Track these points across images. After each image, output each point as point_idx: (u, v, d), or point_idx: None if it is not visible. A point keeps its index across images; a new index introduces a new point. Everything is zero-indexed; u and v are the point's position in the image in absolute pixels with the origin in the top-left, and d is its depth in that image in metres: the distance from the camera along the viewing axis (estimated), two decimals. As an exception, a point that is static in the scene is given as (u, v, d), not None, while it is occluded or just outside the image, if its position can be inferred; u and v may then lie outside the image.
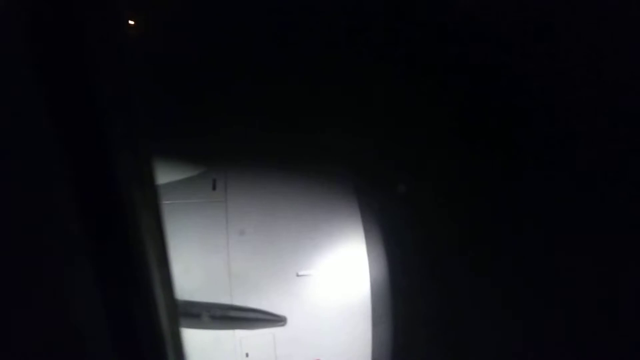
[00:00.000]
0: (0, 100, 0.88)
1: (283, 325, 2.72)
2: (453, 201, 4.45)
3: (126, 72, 0.93)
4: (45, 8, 0.85)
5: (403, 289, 2.89)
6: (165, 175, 2.93)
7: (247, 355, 2.72)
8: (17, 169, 0.91)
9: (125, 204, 0.93)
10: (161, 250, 1.01)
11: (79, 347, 0.98)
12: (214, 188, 2.96)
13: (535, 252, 4.26)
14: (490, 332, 3.92)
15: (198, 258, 2.75)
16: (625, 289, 4.07)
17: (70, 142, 0.91)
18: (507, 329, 3.94)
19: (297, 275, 2.76)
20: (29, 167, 0.92)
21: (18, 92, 0.89)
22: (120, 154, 0.93)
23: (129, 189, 0.93)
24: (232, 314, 2.69)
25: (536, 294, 4.11)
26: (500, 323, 3.96)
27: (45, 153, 0.92)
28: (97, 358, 1.00)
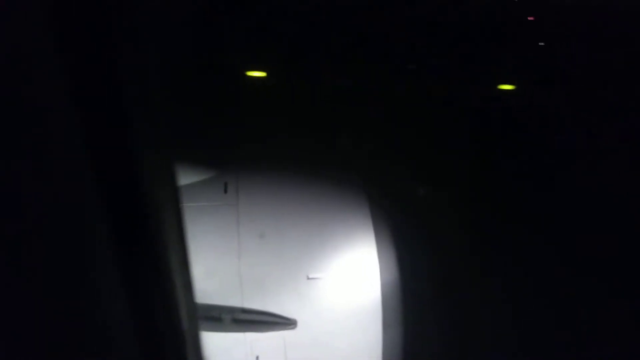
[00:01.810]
0: (28, 104, 0.90)
1: (293, 328, 2.72)
2: (464, 205, 4.45)
3: (151, 76, 0.95)
4: (73, 12, 0.87)
5: (414, 293, 2.89)
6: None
7: (257, 358, 2.73)
8: (43, 173, 0.93)
9: (149, 208, 0.95)
10: (182, 253, 1.03)
11: (103, 346, 1.00)
12: (225, 191, 2.97)
13: (547, 257, 4.26)
14: (501, 335, 3.91)
15: (209, 261, 2.76)
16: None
17: (95, 147, 0.93)
18: (518, 332, 3.93)
19: (308, 279, 2.76)
20: (55, 172, 0.94)
21: (45, 96, 0.91)
22: (144, 158, 0.94)
23: (153, 193, 0.95)
24: (243, 316, 2.69)
25: (547, 298, 4.11)
26: (511, 326, 3.95)
27: (71, 158, 0.94)
28: (120, 356, 1.01)
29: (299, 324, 2.72)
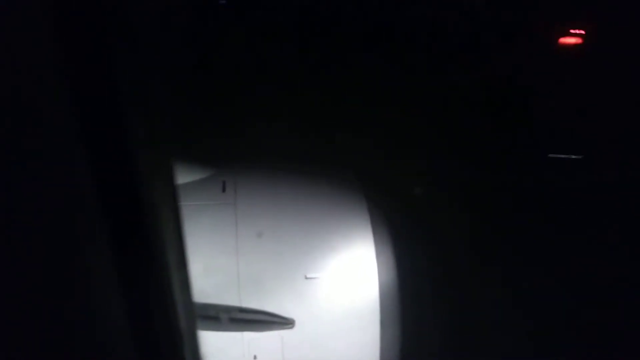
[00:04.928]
0: (25, 100, 0.89)
1: (291, 327, 2.72)
2: (463, 204, 4.45)
3: (148, 74, 0.94)
4: (70, 10, 0.86)
5: (412, 292, 2.89)
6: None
7: (255, 357, 2.72)
8: (38, 171, 0.92)
9: (146, 206, 0.94)
10: (179, 252, 1.02)
11: (99, 345, 0.99)
12: (223, 190, 2.97)
13: (548, 253, 4.26)
14: (500, 335, 3.91)
15: (207, 260, 2.75)
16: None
17: (91, 145, 0.92)
18: (517, 331, 3.94)
19: (306, 278, 2.76)
20: (51, 169, 0.93)
21: (42, 92, 0.90)
22: (141, 155, 0.94)
23: (150, 190, 0.94)
24: (240, 315, 2.69)
25: (547, 295, 4.11)
26: (510, 325, 3.95)
27: (67, 156, 0.93)
28: (116, 355, 1.01)
29: (296, 323, 2.72)
